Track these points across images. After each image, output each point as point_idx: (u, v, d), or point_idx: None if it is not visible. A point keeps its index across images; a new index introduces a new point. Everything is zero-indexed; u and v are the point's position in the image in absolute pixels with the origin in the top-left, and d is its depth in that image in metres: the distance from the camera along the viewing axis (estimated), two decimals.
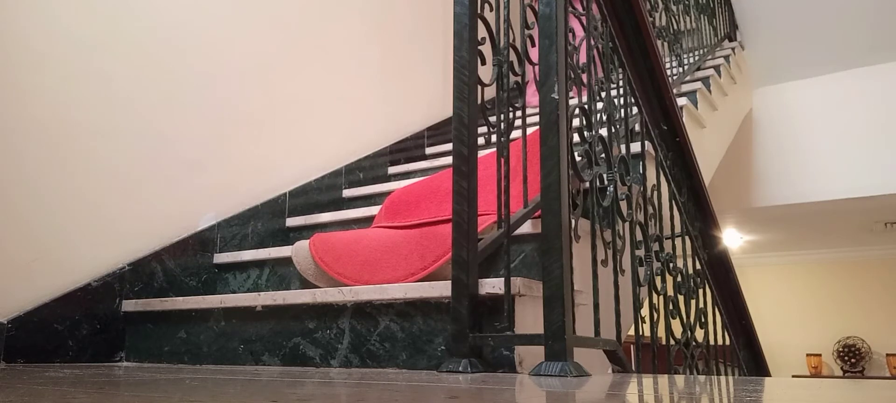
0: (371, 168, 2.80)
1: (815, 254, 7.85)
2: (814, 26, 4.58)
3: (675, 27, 3.22)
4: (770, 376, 2.75)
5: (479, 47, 1.39)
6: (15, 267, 1.62)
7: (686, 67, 3.23)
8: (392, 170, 2.87)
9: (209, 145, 2.12)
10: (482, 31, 1.40)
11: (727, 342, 2.41)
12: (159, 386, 0.85)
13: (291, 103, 2.45)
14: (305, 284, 1.84)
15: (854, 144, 4.71)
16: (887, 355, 7.30)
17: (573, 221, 1.19)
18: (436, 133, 3.26)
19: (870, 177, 4.62)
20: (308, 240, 1.80)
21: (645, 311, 1.61)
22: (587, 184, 1.38)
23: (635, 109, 1.75)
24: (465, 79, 1.34)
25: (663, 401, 0.67)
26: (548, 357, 1.05)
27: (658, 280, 1.64)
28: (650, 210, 1.68)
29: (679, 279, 1.81)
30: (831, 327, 7.70)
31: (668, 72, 2.84)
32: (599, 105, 1.55)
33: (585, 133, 1.37)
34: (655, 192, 1.77)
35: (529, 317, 1.30)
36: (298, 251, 1.79)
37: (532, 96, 3.07)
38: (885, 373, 7.29)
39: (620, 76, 1.68)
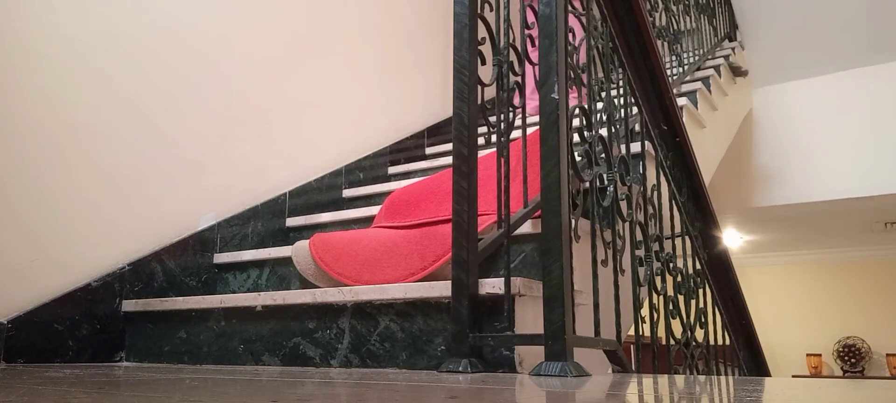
0: (371, 168, 2.80)
1: (815, 254, 7.85)
2: (814, 26, 4.57)
3: (675, 27, 3.22)
4: (770, 376, 2.75)
5: (479, 47, 1.39)
6: (15, 267, 1.62)
7: (686, 67, 3.23)
8: (392, 170, 2.87)
9: (209, 145, 2.12)
10: (482, 31, 1.40)
11: (727, 342, 2.41)
12: (159, 386, 0.85)
13: (291, 103, 2.45)
14: (305, 284, 1.84)
15: (854, 144, 4.71)
16: (887, 355, 7.30)
17: (573, 221, 1.19)
18: (436, 133, 3.26)
19: (870, 177, 4.62)
20: (308, 240, 1.80)
21: (645, 311, 1.61)
22: (587, 184, 1.38)
23: (635, 109, 1.75)
24: (465, 79, 1.34)
25: (663, 401, 0.67)
26: (548, 358, 1.05)
27: (658, 280, 1.64)
28: (650, 210, 1.68)
29: (679, 279, 1.81)
30: (831, 327, 7.70)
31: (668, 72, 2.84)
32: (599, 105, 1.55)
33: (585, 133, 1.37)
34: (655, 192, 1.77)
35: (529, 317, 1.30)
36: (298, 251, 1.79)
37: (533, 111, 3.07)
38: (885, 373, 7.29)
39: (620, 76, 1.68)
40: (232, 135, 2.20)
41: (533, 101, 3.08)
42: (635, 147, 1.79)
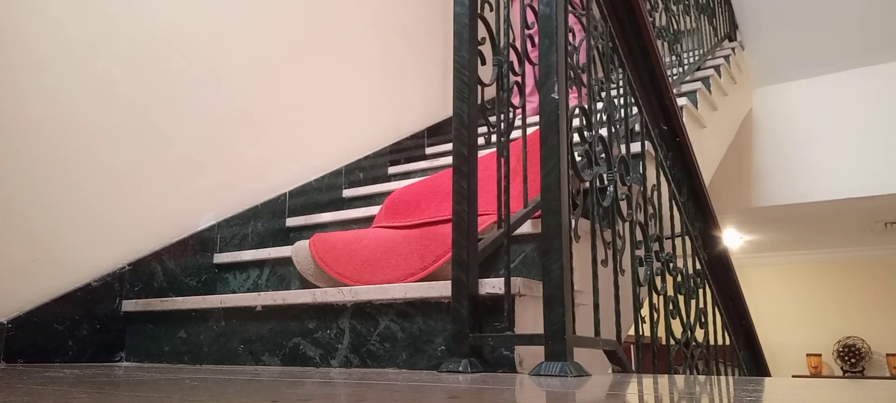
0: (371, 168, 2.80)
1: (815, 254, 7.85)
2: (814, 26, 4.57)
3: (675, 27, 3.22)
4: (770, 376, 2.75)
5: (479, 47, 1.39)
6: (15, 267, 1.62)
7: (686, 67, 3.23)
8: (392, 170, 2.87)
9: (209, 145, 2.12)
10: (482, 31, 1.40)
11: (727, 342, 2.41)
12: (159, 386, 0.85)
13: (291, 103, 2.45)
14: (305, 284, 1.84)
15: (854, 144, 4.71)
16: (887, 355, 7.30)
17: (573, 221, 1.19)
18: (436, 133, 3.26)
19: (870, 177, 4.62)
20: (308, 240, 1.80)
21: (645, 311, 1.61)
22: (587, 184, 1.38)
23: (635, 109, 1.75)
24: (465, 80, 1.34)
25: (663, 401, 0.67)
26: (548, 358, 1.05)
27: (658, 280, 1.64)
28: (650, 210, 1.68)
29: (679, 279, 1.81)
30: (831, 327, 7.70)
31: (668, 72, 2.84)
32: (599, 105, 1.55)
33: (585, 133, 1.37)
34: (655, 192, 1.77)
35: (529, 317, 1.30)
36: (298, 251, 1.79)
37: (533, 111, 3.07)
38: (885, 373, 7.28)
39: (620, 76, 1.68)
40: (232, 135, 2.20)
41: (533, 101, 3.08)
42: (635, 147, 1.79)
